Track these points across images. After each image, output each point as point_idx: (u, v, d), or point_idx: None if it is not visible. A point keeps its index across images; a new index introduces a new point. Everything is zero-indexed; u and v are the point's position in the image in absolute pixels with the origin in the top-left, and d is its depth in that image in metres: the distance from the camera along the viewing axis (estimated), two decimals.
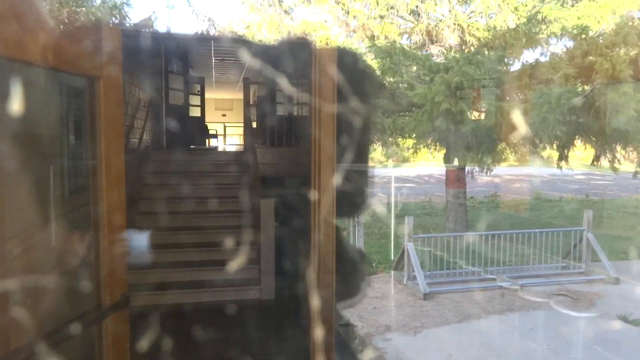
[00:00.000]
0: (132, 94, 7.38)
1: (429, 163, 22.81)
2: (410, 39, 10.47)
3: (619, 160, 9.74)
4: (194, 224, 6.07)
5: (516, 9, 9.49)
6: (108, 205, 2.00)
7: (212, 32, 9.46)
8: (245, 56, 8.72)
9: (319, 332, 2.46)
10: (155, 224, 5.72)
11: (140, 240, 5.29)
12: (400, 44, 10.10)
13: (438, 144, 10.28)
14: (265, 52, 8.24)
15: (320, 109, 2.32)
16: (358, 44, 10.21)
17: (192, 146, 9.85)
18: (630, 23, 8.75)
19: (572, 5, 9.60)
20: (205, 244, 5.90)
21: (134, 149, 7.21)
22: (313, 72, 2.32)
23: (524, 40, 9.15)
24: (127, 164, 2.20)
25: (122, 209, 2.08)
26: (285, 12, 10.41)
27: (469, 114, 8.80)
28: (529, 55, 9.75)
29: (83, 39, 1.93)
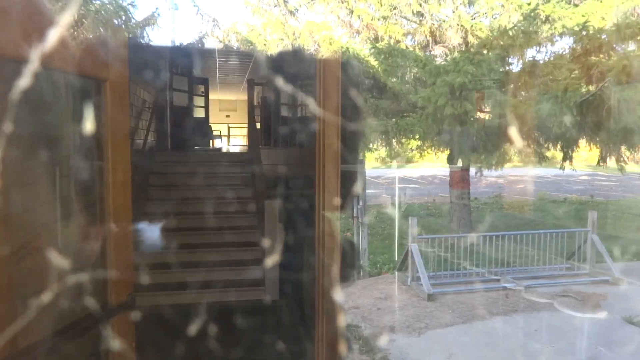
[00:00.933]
0: (137, 96, 7.42)
1: (433, 164, 22.80)
2: (414, 40, 10.47)
3: (625, 160, 9.70)
4: (198, 224, 6.09)
5: (520, 6, 9.47)
6: (114, 206, 2.02)
7: (216, 33, 9.48)
8: (251, 63, 8.76)
9: (323, 332, 2.47)
10: (159, 224, 5.74)
11: (145, 240, 5.32)
12: (404, 44, 10.10)
13: (442, 145, 10.28)
14: (271, 60, 8.29)
15: (324, 113, 2.33)
16: (362, 45, 10.21)
17: (196, 147, 9.88)
18: (634, 19, 8.71)
19: (577, 5, 9.58)
20: (210, 244, 5.93)
21: (139, 149, 7.24)
22: (317, 79, 2.34)
23: (527, 39, 9.13)
24: (132, 164, 2.22)
25: (128, 209, 2.10)
26: (291, 12, 10.41)
27: (472, 115, 8.79)
28: (532, 55, 9.70)
29: (89, 41, 1.95)
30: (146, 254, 5.09)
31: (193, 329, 3.65)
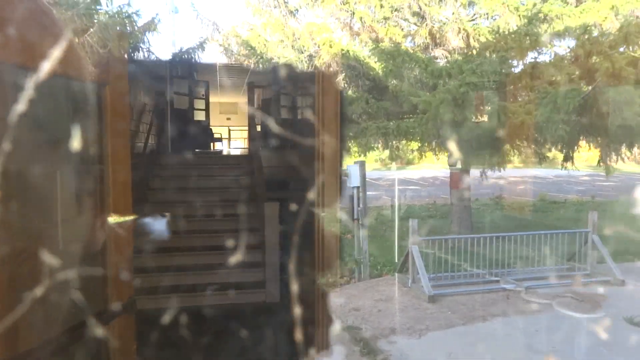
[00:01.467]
0: (138, 99, 7.44)
1: (433, 165, 22.80)
2: (414, 42, 10.48)
3: (623, 159, 9.71)
4: (199, 227, 6.11)
5: (517, 9, 9.49)
6: (115, 209, 2.03)
7: (216, 37, 9.50)
8: (252, 66, 8.80)
9: (323, 333, 2.49)
10: (161, 227, 5.76)
11: (146, 244, 5.33)
12: (405, 46, 10.11)
13: (442, 146, 10.29)
14: (272, 68, 8.32)
15: (324, 119, 2.36)
16: (362, 47, 10.23)
17: (197, 150, 9.90)
18: (634, 22, 8.72)
19: (576, 6, 9.59)
20: (210, 247, 5.94)
21: (140, 153, 7.27)
22: (317, 85, 2.37)
23: (527, 40, 9.14)
24: (133, 167, 2.23)
25: (128, 212, 2.11)
26: (291, 12, 10.41)
27: (472, 118, 8.82)
28: (532, 56, 9.71)
29: (91, 47, 1.97)
30: (147, 257, 5.11)
31: (194, 330, 3.67)
